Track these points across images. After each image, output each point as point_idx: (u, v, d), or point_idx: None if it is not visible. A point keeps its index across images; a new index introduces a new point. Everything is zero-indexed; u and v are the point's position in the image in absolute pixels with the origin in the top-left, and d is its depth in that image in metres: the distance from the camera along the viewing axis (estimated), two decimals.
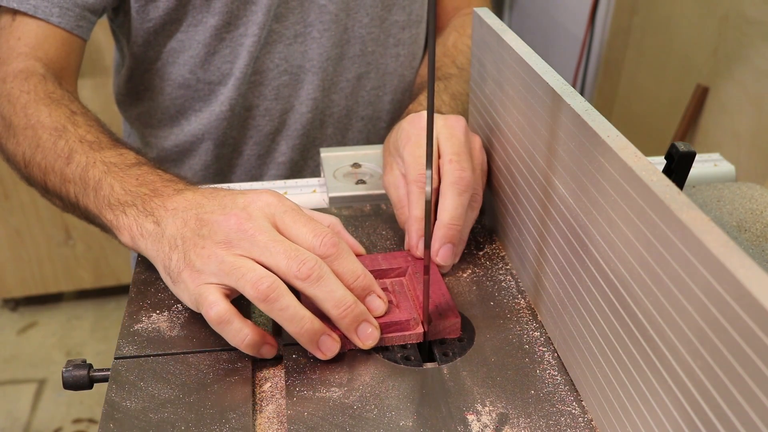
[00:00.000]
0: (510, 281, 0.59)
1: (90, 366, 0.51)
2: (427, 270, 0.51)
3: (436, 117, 0.59)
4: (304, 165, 0.95)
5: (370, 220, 0.67)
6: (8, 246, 1.93)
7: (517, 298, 0.57)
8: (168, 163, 0.94)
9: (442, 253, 0.56)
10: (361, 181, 0.72)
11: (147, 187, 0.55)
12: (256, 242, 0.48)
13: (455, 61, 0.84)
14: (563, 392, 0.48)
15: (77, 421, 1.74)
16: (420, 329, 0.52)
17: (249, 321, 0.48)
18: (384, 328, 0.51)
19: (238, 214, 0.49)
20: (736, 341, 0.30)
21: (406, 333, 0.52)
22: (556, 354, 0.51)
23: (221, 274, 0.48)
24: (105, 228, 0.58)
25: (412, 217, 0.57)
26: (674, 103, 1.60)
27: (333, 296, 0.48)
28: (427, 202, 0.47)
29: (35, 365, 1.89)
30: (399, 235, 0.65)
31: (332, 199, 0.70)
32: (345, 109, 0.92)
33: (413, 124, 0.61)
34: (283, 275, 0.47)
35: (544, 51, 2.14)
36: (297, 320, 0.47)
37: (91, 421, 1.74)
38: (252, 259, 0.48)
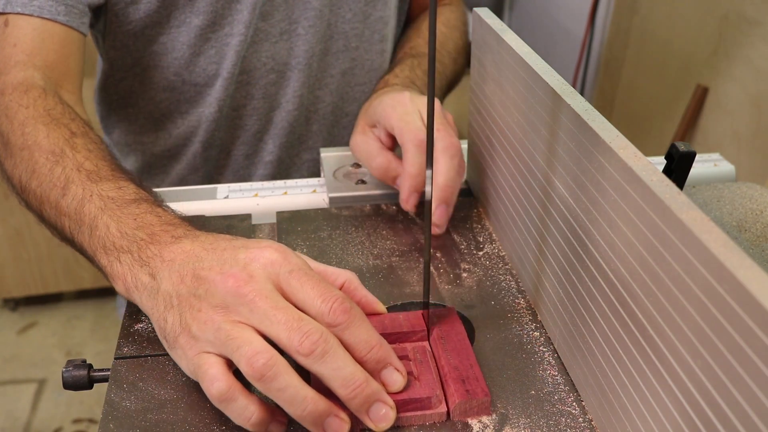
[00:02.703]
0: (510, 281, 0.59)
1: (90, 366, 0.51)
2: (427, 275, 0.50)
3: (413, 97, 0.66)
4: (291, 164, 0.94)
5: (370, 220, 0.67)
6: (8, 246, 1.93)
7: (517, 298, 0.57)
8: (155, 168, 0.92)
9: (438, 213, 0.62)
10: (361, 181, 0.72)
11: (144, 231, 0.51)
12: (255, 309, 0.43)
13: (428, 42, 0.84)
14: (563, 392, 0.48)
15: (77, 421, 1.74)
16: (443, 408, 0.45)
17: (255, 396, 0.43)
18: (401, 406, 0.44)
19: (237, 274, 0.44)
20: (736, 341, 0.30)
21: (427, 412, 0.45)
22: (556, 354, 0.51)
23: (217, 343, 0.43)
24: (101, 271, 0.54)
25: (407, 173, 0.62)
26: (674, 103, 1.60)
27: (340, 374, 0.42)
28: (427, 202, 0.47)
29: (35, 365, 1.89)
30: (399, 235, 0.65)
31: (332, 199, 0.70)
32: (331, 106, 0.92)
33: (397, 101, 0.67)
34: (285, 348, 0.42)
35: (544, 51, 2.15)
36: (298, 402, 0.41)
37: (91, 421, 1.74)
38: (251, 326, 0.43)
